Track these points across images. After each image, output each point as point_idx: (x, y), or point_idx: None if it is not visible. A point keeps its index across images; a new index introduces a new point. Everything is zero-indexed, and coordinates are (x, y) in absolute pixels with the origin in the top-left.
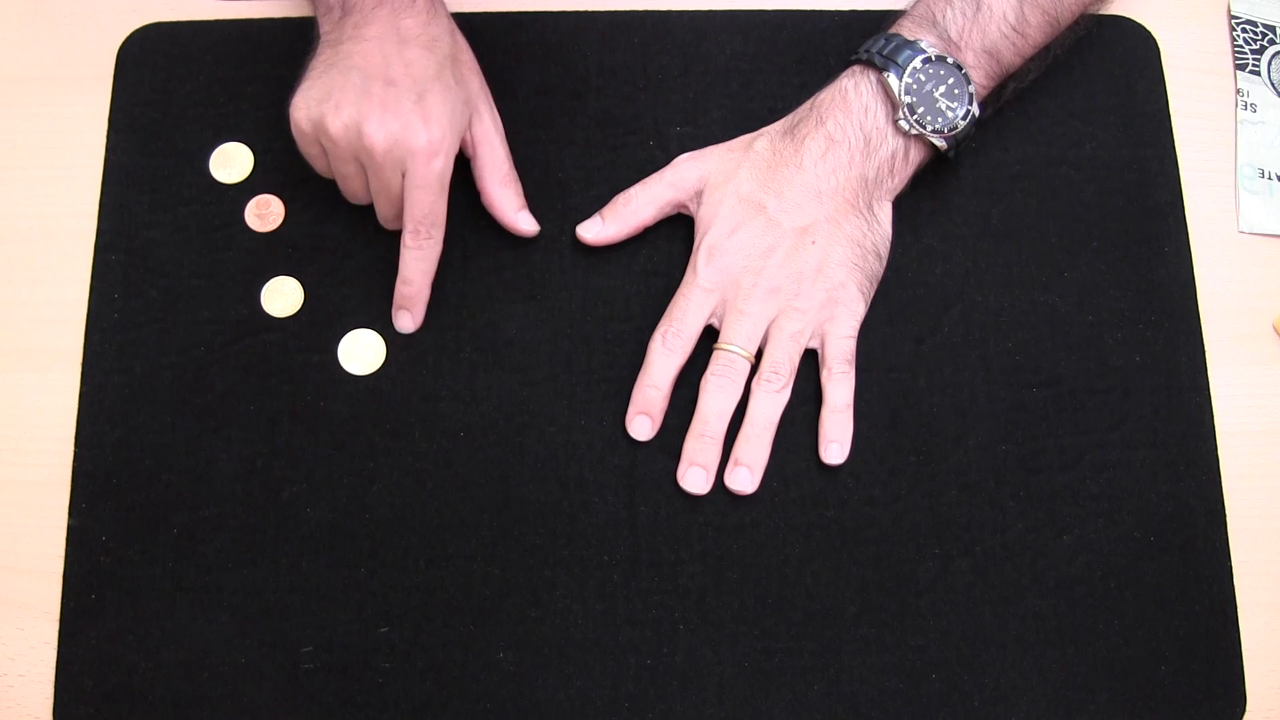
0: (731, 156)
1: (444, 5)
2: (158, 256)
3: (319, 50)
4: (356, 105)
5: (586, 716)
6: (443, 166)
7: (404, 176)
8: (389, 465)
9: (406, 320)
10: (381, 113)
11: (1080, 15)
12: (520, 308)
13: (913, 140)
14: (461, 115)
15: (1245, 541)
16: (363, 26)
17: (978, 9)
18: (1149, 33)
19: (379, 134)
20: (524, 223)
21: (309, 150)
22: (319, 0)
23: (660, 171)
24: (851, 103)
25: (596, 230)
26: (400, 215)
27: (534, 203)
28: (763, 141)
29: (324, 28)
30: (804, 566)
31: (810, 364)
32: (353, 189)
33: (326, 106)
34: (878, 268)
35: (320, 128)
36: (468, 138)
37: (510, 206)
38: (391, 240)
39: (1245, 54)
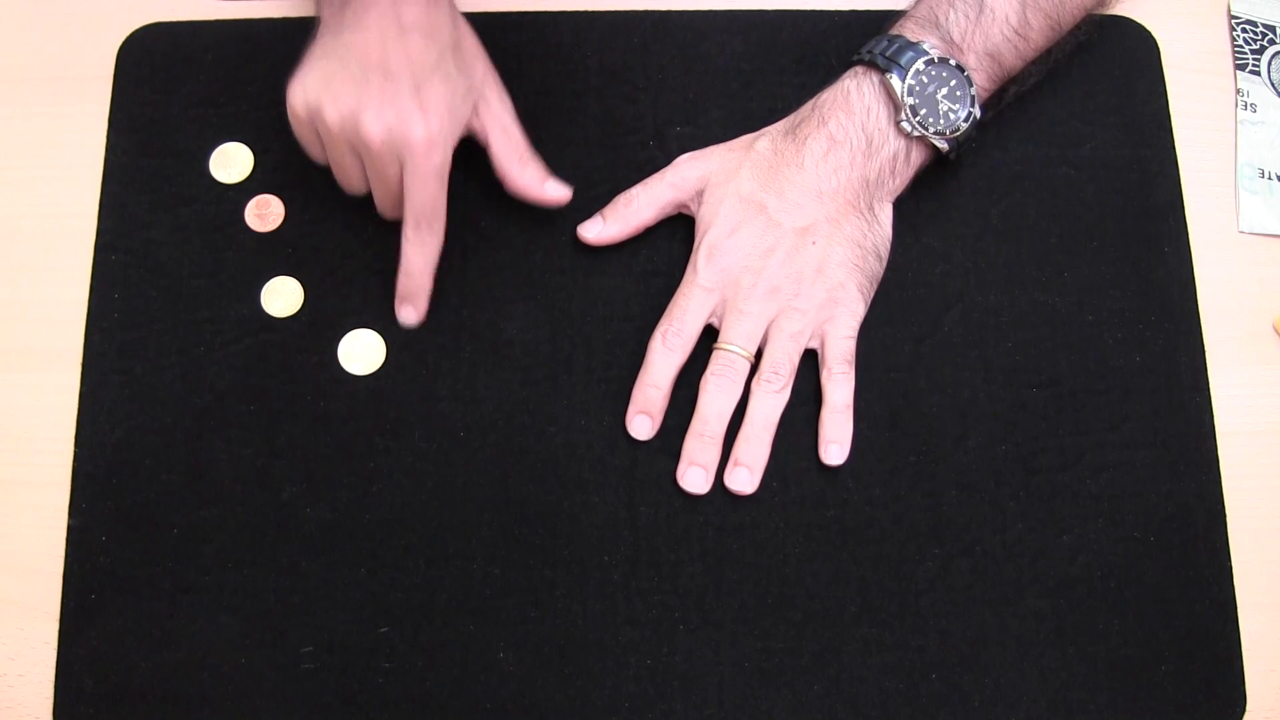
0: (733, 156)
1: None
2: (158, 256)
3: (319, 37)
4: (355, 95)
5: (586, 716)
6: (441, 159)
7: (402, 168)
8: (389, 465)
9: (410, 313)
10: (379, 104)
11: (1082, 19)
12: (520, 308)
13: (914, 142)
14: (463, 105)
15: (1245, 541)
16: (362, 14)
17: (980, 11)
18: (1149, 33)
19: (376, 126)
20: (554, 191)
21: (305, 136)
22: None
23: (661, 171)
24: (854, 103)
25: (597, 230)
26: (399, 205)
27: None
28: (764, 141)
29: (324, 14)
30: (804, 566)
31: (810, 364)
32: (348, 179)
33: (325, 95)
34: (878, 268)
35: (317, 116)
36: (477, 125)
37: (536, 181)
38: (392, 240)
39: (1245, 54)
